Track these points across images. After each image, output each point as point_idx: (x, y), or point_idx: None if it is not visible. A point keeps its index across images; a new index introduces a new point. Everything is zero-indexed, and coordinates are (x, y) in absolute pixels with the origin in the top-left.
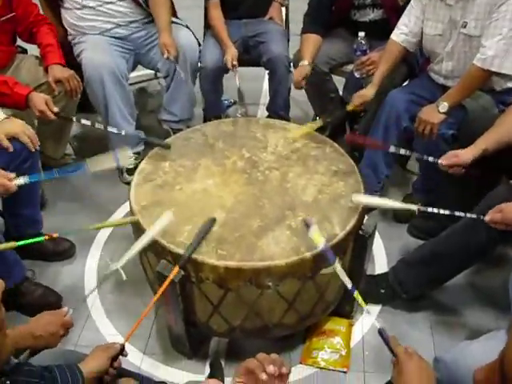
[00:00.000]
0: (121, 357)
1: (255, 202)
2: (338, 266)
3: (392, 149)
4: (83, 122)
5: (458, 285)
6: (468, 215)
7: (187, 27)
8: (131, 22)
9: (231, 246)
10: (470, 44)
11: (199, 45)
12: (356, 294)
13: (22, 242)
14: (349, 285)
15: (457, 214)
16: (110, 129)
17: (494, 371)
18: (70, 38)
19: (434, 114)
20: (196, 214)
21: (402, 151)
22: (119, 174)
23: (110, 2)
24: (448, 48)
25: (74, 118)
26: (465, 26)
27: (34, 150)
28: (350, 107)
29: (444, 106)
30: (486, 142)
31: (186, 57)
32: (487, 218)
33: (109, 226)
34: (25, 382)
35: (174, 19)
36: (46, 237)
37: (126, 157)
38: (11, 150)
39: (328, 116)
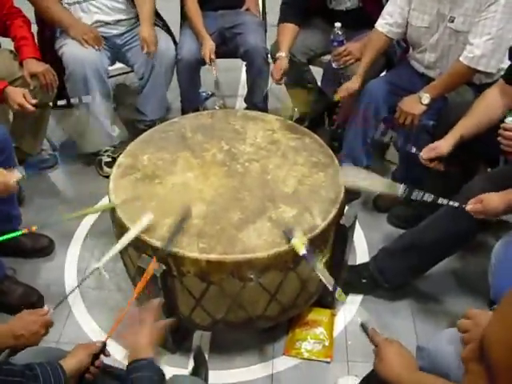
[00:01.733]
0: (103, 356)
1: (235, 195)
2: (319, 267)
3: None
4: (59, 103)
5: (439, 273)
6: (451, 203)
7: (166, 26)
8: (119, 21)
9: (212, 239)
10: (456, 38)
11: (175, 44)
12: (338, 291)
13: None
14: (330, 286)
15: (440, 201)
16: (84, 99)
17: (476, 348)
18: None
19: (415, 104)
20: (176, 208)
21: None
22: (97, 167)
23: None
24: (433, 40)
25: (51, 104)
26: (452, 21)
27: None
28: (336, 97)
29: (426, 97)
30: (461, 129)
31: (162, 61)
32: (468, 207)
33: (86, 213)
34: (4, 381)
35: (155, 19)
36: (26, 230)
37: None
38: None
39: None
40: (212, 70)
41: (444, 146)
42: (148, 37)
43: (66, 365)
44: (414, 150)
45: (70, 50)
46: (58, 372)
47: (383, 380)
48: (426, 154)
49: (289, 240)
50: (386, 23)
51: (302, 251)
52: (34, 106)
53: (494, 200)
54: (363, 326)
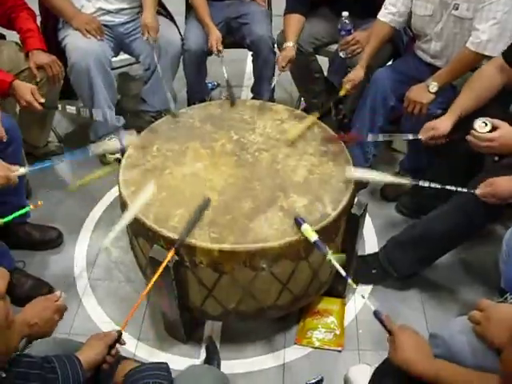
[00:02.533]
0: (118, 345)
1: (246, 184)
2: (331, 256)
3: (370, 138)
4: (68, 109)
5: (449, 262)
6: (459, 189)
7: (170, 16)
8: (122, 10)
9: (224, 228)
10: (461, 26)
11: (182, 39)
12: (350, 281)
13: (7, 219)
14: (343, 273)
15: (448, 187)
16: (95, 114)
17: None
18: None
19: (423, 93)
20: (187, 198)
21: (381, 137)
22: (101, 155)
23: None
24: (437, 29)
25: (60, 107)
26: (457, 8)
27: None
28: (342, 92)
29: (434, 86)
30: (459, 107)
31: (168, 51)
32: (478, 191)
33: (93, 178)
34: (25, 373)
35: (159, 9)
36: (32, 206)
37: (130, 138)
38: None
39: (314, 97)
40: (221, 63)
41: (443, 126)
42: (150, 23)
43: (84, 357)
44: (411, 137)
45: (72, 41)
46: (75, 365)
47: (398, 369)
48: (423, 135)
49: (299, 227)
50: (389, 13)
51: (314, 238)
52: (41, 105)
53: (503, 183)
54: (376, 314)
